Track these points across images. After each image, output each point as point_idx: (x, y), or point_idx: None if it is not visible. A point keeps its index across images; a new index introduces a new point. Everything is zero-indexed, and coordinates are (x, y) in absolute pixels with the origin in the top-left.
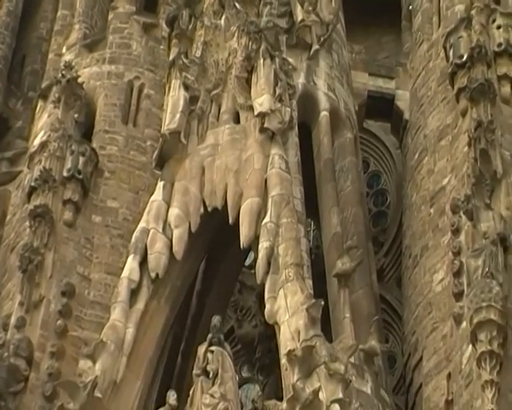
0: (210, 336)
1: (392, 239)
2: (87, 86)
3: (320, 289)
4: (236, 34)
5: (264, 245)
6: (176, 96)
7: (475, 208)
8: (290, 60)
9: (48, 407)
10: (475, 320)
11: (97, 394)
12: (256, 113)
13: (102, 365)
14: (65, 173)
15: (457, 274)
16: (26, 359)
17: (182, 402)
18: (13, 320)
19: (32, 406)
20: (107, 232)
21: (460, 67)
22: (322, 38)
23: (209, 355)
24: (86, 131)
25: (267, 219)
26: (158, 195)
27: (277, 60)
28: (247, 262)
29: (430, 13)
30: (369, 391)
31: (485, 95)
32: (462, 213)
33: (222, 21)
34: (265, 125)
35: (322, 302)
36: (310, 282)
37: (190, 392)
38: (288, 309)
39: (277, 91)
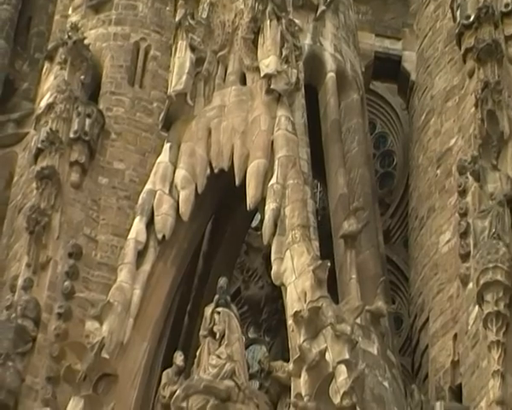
0: (216, 297)
1: (399, 200)
2: (93, 48)
3: (326, 251)
4: None
5: (270, 206)
6: (182, 57)
7: (482, 169)
8: (297, 21)
9: (55, 367)
10: (482, 281)
11: (104, 355)
12: (262, 74)
13: (109, 326)
14: (71, 135)
15: (464, 235)
16: (34, 320)
17: (188, 363)
18: (20, 282)
19: (39, 366)
20: (113, 194)
21: (467, 27)
22: None
23: (216, 316)
24: (92, 92)
25: (273, 180)
26: (164, 156)
27: (284, 21)
28: (254, 224)
29: None
30: (375, 352)
31: (493, 55)
32: (468, 175)
33: None
34: (272, 87)
35: (329, 264)
36: (316, 243)
37: (197, 353)
38: (294, 270)
39: (284, 53)
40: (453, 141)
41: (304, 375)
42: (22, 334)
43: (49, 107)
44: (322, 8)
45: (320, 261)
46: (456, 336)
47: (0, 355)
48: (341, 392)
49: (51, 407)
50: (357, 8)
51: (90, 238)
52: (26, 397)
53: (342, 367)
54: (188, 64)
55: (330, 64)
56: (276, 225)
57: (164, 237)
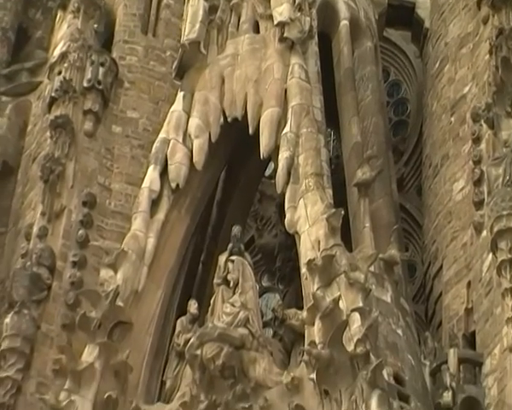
0: (230, 245)
1: (413, 148)
2: None
3: (340, 199)
4: None
5: (284, 155)
6: (195, 5)
7: (496, 117)
8: None
9: (70, 315)
10: (496, 229)
11: (119, 302)
12: (276, 22)
13: (124, 274)
14: (85, 84)
15: (478, 183)
16: (49, 268)
17: (203, 311)
18: (35, 230)
19: (54, 314)
20: (127, 143)
21: None
22: None
23: (230, 265)
24: (106, 41)
25: (287, 128)
26: (178, 105)
27: None
28: (267, 172)
29: None
30: (388, 300)
31: (507, 2)
32: (482, 122)
33: None
34: (285, 35)
35: (343, 212)
36: (330, 191)
37: (211, 301)
38: (308, 219)
39: (297, 0)
40: (467, 88)
41: (317, 323)
42: (37, 282)
43: (63, 56)
44: None
45: (334, 209)
46: (469, 283)
47: (15, 303)
48: (355, 340)
49: (66, 355)
50: None
51: (104, 187)
52: (42, 344)
53: (356, 315)
54: (201, 12)
55: (344, 12)
56: (289, 174)
57: (178, 185)
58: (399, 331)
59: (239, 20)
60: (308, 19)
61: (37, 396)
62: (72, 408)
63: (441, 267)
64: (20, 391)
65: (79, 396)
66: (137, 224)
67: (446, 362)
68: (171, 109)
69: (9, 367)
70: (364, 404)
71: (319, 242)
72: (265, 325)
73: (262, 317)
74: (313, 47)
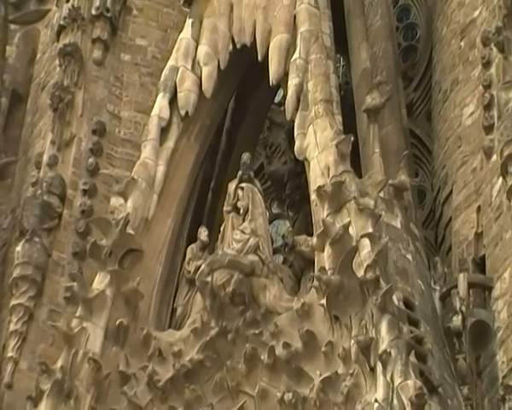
0: (240, 172)
1: (422, 74)
2: None
3: (349, 125)
4: None
5: (293, 82)
6: None
7: (506, 40)
8: None
9: (81, 243)
10: (506, 153)
11: (129, 230)
12: None
13: (134, 202)
14: (93, 12)
15: (488, 107)
16: (59, 196)
17: (213, 238)
18: (45, 158)
19: (65, 242)
20: (136, 70)
21: None
22: None
23: (239, 192)
24: None
25: (296, 55)
26: (186, 32)
27: None
28: (277, 99)
29: None
30: (398, 225)
31: None
32: (492, 46)
33: None
34: None
35: (352, 138)
36: (339, 118)
37: (221, 228)
38: (317, 145)
39: None
40: (477, 12)
41: (327, 249)
42: (48, 210)
43: None
44: None
45: (343, 136)
46: (479, 208)
47: (26, 231)
48: (365, 265)
49: (78, 282)
50: None
51: (114, 115)
52: (53, 273)
53: (366, 241)
54: None
55: None
56: (298, 100)
57: (187, 113)
58: (409, 257)
59: None
60: None
61: (49, 323)
62: (83, 335)
63: (451, 192)
64: (33, 318)
65: (91, 323)
66: (147, 152)
67: (456, 287)
68: (179, 37)
69: (21, 295)
70: (374, 329)
71: (329, 168)
72: (275, 251)
73: (272, 243)
74: None
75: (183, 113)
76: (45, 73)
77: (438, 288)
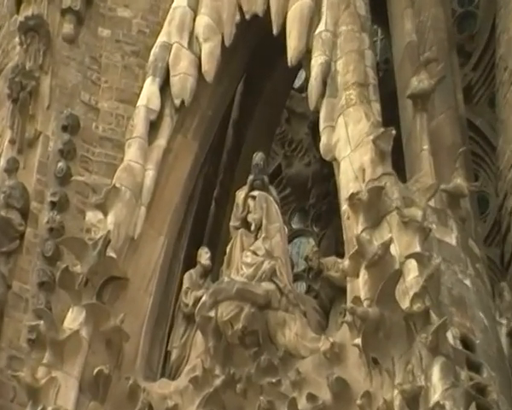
0: (251, 177)
1: (483, 48)
2: None
3: (390, 115)
4: None
5: (318, 61)
6: None
7: None
8: None
9: (49, 269)
10: None
11: (110, 253)
12: None
13: (116, 217)
14: None
15: None
16: (21, 210)
17: (216, 262)
18: (2, 163)
19: (29, 269)
20: (117, 49)
21: None
22: None
23: (250, 202)
24: None
25: (321, 27)
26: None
27: None
28: (297, 83)
29: None
30: (453, 242)
31: None
32: None
33: None
34: None
35: (394, 131)
36: (377, 106)
37: (227, 249)
38: (349, 141)
39: None
40: None
41: (363, 273)
42: (7, 229)
43: None
44: None
45: (382, 129)
46: None
47: None
48: (411, 294)
49: (45, 320)
50: None
51: (90, 106)
52: (14, 308)
53: (412, 263)
54: None
55: None
56: (325, 85)
57: (183, 102)
58: (467, 282)
59: None
60: None
61: (8, 373)
62: (53, 388)
63: None
64: None
65: (62, 372)
66: (132, 153)
67: None
68: (172, 5)
69: None
70: (424, 375)
71: (364, 170)
72: (297, 277)
73: (292, 268)
74: None
75: (177, 102)
76: (2, 54)
77: (505, 322)
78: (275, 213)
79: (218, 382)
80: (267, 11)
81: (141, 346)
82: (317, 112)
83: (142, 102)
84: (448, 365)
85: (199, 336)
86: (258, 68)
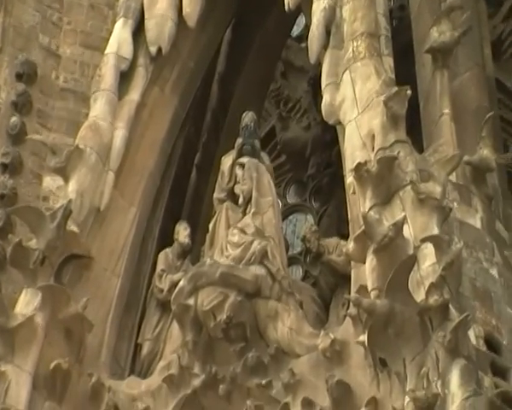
0: (239, 141)
1: None
2: None
3: (405, 72)
4: None
5: (320, 5)
6: None
7: None
8: None
9: None
10: None
11: (72, 226)
12: None
13: (79, 184)
14: None
15: None
16: None
17: (197, 240)
18: None
19: None
20: None
21: None
22: None
23: (238, 171)
24: None
25: None
26: None
27: None
28: (295, 32)
29: None
30: (477, 224)
31: None
32: None
33: None
34: None
35: (409, 91)
36: (390, 60)
37: (210, 226)
38: (356, 102)
39: None
40: None
41: (370, 259)
42: None
43: None
44: None
45: (396, 88)
46: None
47: None
48: (427, 284)
49: None
50: None
51: (49, 52)
52: None
53: (429, 247)
54: None
55: None
56: (328, 34)
57: (160, 50)
58: (494, 272)
59: None
60: None
61: None
62: (1, 384)
63: None
64: None
65: (13, 366)
66: (99, 108)
67: None
68: None
69: None
70: (440, 380)
71: (373, 137)
72: (292, 261)
73: (287, 250)
74: None
75: (153, 50)
76: None
77: None
78: (267, 184)
79: (196, 382)
80: None
81: (106, 337)
82: (318, 66)
83: (111, 48)
84: (469, 369)
85: (175, 327)
86: (248, 12)
